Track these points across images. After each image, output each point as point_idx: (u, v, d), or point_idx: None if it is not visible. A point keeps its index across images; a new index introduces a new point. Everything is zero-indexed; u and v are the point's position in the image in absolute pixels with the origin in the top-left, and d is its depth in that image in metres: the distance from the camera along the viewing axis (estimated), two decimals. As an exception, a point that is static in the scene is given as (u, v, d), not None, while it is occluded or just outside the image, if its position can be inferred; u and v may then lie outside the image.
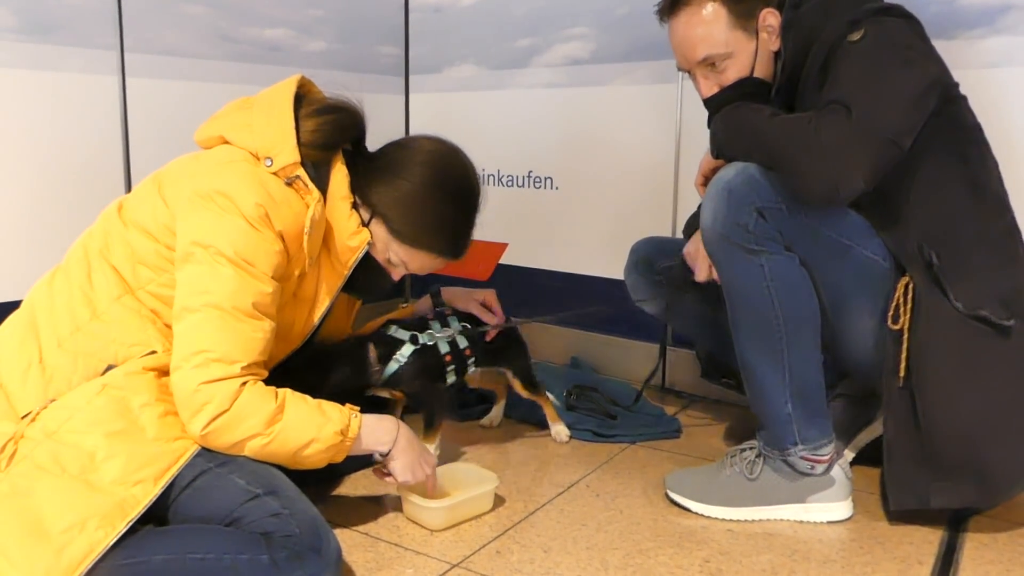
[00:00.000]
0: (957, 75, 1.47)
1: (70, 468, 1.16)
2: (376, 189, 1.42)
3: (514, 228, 2.64)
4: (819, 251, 1.44)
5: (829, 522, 1.52)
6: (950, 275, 1.39)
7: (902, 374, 1.40)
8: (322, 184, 1.38)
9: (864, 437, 1.72)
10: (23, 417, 1.22)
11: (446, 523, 1.47)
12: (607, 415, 2.02)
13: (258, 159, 1.33)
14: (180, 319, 1.25)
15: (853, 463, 1.66)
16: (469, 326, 1.75)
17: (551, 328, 2.56)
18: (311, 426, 1.28)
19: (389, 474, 1.44)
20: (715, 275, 1.51)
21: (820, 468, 1.52)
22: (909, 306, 1.41)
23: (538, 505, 1.59)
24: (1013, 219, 1.48)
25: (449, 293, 1.84)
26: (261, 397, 1.26)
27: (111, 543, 1.11)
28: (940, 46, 1.44)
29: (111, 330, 1.28)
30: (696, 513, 1.55)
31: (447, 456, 1.80)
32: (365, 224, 1.43)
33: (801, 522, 1.52)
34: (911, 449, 1.42)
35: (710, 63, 1.51)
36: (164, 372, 1.27)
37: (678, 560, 1.38)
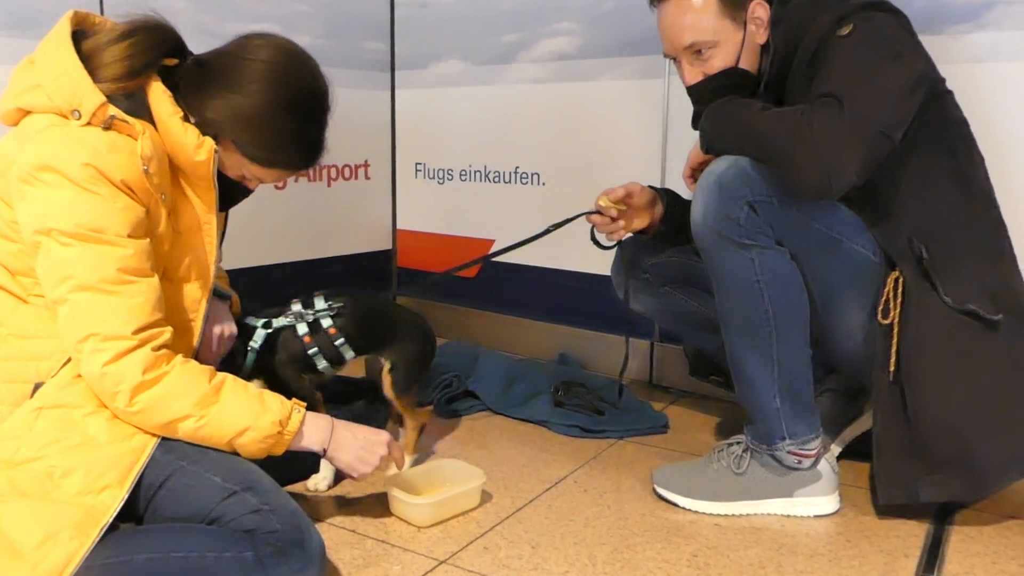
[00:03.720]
0: (943, 70, 1.48)
1: (30, 491, 1.13)
2: (211, 104, 1.28)
3: (501, 224, 2.63)
4: (810, 245, 1.44)
5: (816, 516, 1.52)
6: (939, 269, 1.40)
7: (892, 368, 1.41)
8: (143, 112, 1.25)
9: (851, 432, 1.72)
10: None
11: (433, 519, 1.46)
12: (595, 411, 2.02)
13: (66, 116, 1.19)
14: (56, 312, 1.18)
15: (840, 457, 1.66)
16: (342, 305, 1.57)
17: (538, 324, 2.56)
18: (247, 413, 1.24)
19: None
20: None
21: (807, 462, 1.52)
22: (899, 300, 1.41)
23: (526, 501, 1.58)
24: (999, 214, 1.48)
25: None
26: (193, 377, 1.21)
27: (88, 551, 1.09)
28: (927, 41, 1.44)
29: (25, 348, 1.23)
30: (684, 508, 1.55)
31: (433, 453, 1.79)
32: (210, 135, 1.30)
33: (788, 516, 1.52)
34: (900, 443, 1.43)
35: (696, 50, 1.51)
36: None
37: (666, 555, 1.38)
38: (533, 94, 2.49)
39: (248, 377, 1.43)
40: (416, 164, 2.83)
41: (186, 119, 1.27)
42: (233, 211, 1.56)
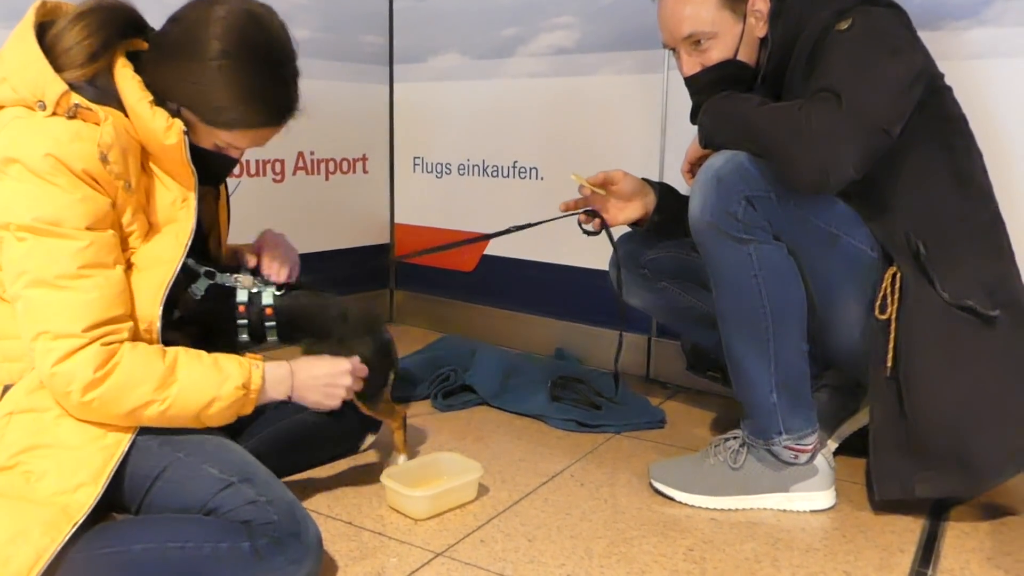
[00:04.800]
0: (942, 66, 1.48)
1: (6, 492, 1.13)
2: (172, 77, 1.24)
3: (499, 219, 2.62)
4: (808, 240, 1.44)
5: (812, 511, 1.52)
6: (937, 265, 1.40)
7: (889, 364, 1.41)
8: (112, 98, 1.22)
9: (848, 427, 1.72)
10: None
11: (430, 512, 1.46)
12: (592, 405, 2.02)
13: (33, 108, 1.17)
14: (16, 308, 1.17)
15: (836, 453, 1.66)
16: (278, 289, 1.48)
17: (536, 319, 2.56)
18: (209, 385, 1.22)
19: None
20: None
21: (804, 458, 1.52)
22: (896, 296, 1.41)
23: (523, 494, 1.58)
24: (997, 210, 1.48)
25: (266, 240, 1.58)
26: (145, 361, 1.18)
27: (58, 548, 1.08)
28: (925, 37, 1.44)
29: None
30: (680, 502, 1.55)
31: (430, 446, 1.80)
32: (176, 115, 1.26)
33: (784, 511, 1.52)
34: (896, 439, 1.43)
35: (694, 41, 1.51)
36: None
37: (662, 548, 1.38)
38: (531, 88, 2.49)
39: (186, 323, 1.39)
40: (414, 158, 2.82)
41: (158, 103, 1.24)
42: (231, 204, 1.56)
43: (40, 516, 1.10)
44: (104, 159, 1.17)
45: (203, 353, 1.25)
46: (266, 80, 1.27)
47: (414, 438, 1.85)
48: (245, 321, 1.46)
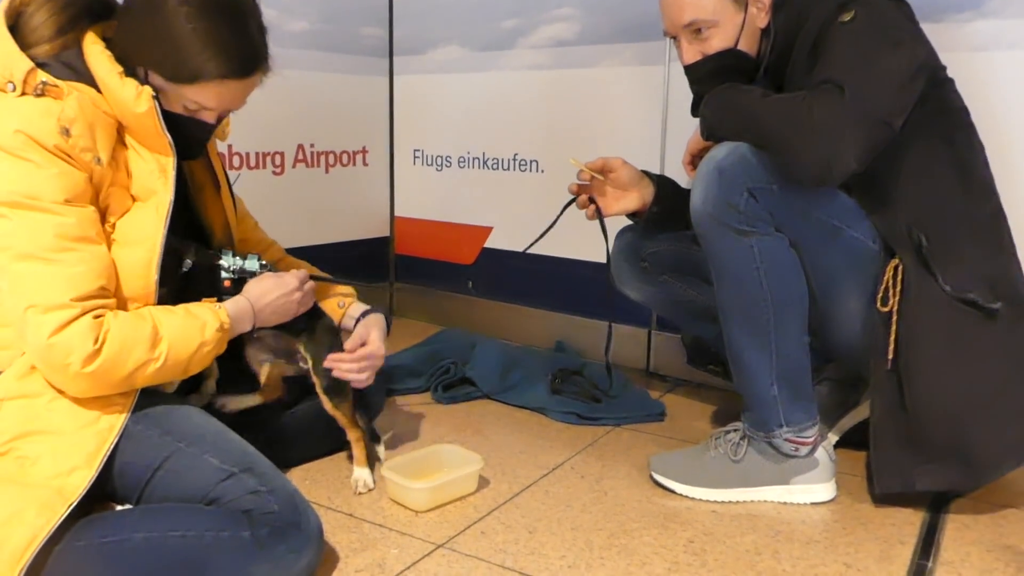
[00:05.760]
0: (944, 58, 1.47)
1: (0, 477, 1.13)
2: (135, 37, 1.25)
3: (499, 211, 2.63)
4: (809, 233, 1.44)
5: (812, 503, 1.52)
6: (939, 258, 1.39)
7: (890, 356, 1.41)
8: (81, 74, 1.23)
9: (848, 420, 1.72)
10: None
11: (430, 504, 1.46)
12: (592, 398, 2.02)
13: (4, 90, 1.18)
14: (1, 286, 1.17)
15: (836, 446, 1.66)
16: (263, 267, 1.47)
17: (535, 312, 2.56)
18: (192, 334, 1.26)
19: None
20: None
21: (804, 450, 1.52)
22: (898, 288, 1.41)
23: (523, 486, 1.58)
24: (999, 203, 1.48)
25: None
26: (132, 325, 1.20)
27: (53, 528, 1.09)
28: (928, 29, 1.44)
29: None
30: (681, 495, 1.55)
31: (430, 438, 1.79)
32: (145, 82, 1.26)
33: (785, 503, 1.53)
34: (897, 431, 1.43)
35: (695, 29, 1.50)
36: None
37: (662, 540, 1.38)
38: (532, 80, 2.48)
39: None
40: (414, 151, 2.81)
41: (129, 74, 1.24)
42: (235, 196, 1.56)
43: (35, 498, 1.10)
44: (66, 133, 1.17)
45: (171, 307, 1.28)
46: (226, 27, 1.26)
47: (412, 430, 1.85)
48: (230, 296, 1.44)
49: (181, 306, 1.28)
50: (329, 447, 1.67)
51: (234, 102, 1.32)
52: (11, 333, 1.20)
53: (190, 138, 1.33)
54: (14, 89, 1.17)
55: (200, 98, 1.27)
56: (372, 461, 1.58)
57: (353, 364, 1.49)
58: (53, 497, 1.11)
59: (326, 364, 1.48)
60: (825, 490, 1.53)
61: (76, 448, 1.15)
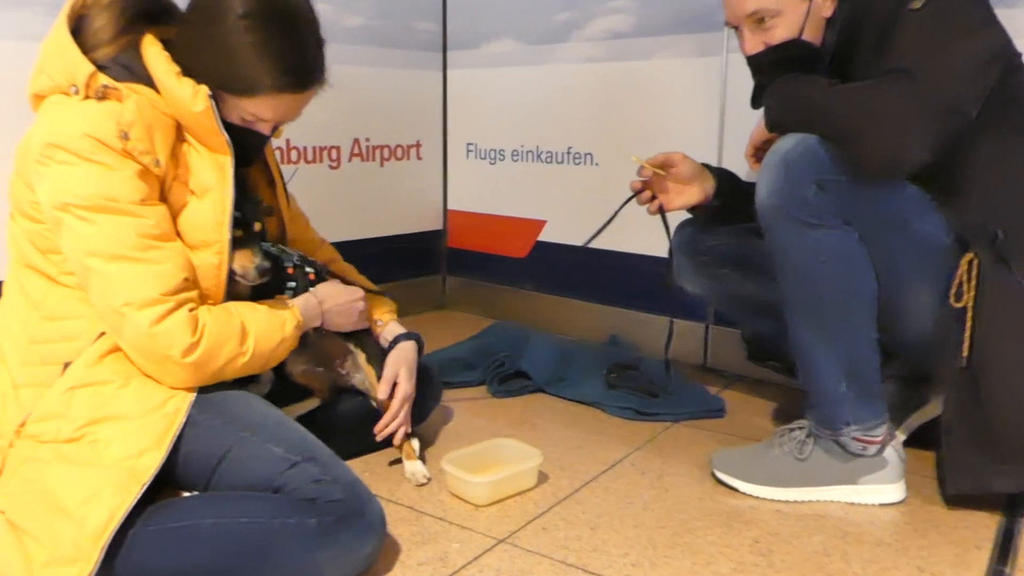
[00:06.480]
0: (1020, 45, 1.42)
1: (74, 459, 1.16)
2: (195, 46, 1.27)
3: (553, 205, 2.62)
4: (878, 225, 1.40)
5: (881, 504, 1.49)
6: (1016, 252, 1.34)
7: (965, 353, 1.36)
8: (139, 75, 1.25)
9: (916, 419, 1.67)
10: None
11: (491, 498, 1.46)
12: (648, 393, 2.00)
13: (68, 94, 1.21)
14: (86, 288, 1.20)
15: (904, 445, 1.61)
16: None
17: (589, 305, 2.54)
18: (275, 329, 1.32)
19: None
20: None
21: (872, 449, 1.48)
22: (973, 283, 1.36)
23: (583, 482, 1.57)
24: (1078, 194, 1.42)
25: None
26: (224, 319, 1.25)
27: (130, 507, 1.11)
28: (1002, 15, 1.39)
29: (56, 330, 1.24)
30: (744, 493, 1.52)
31: (486, 433, 1.79)
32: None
33: (852, 504, 1.49)
34: (971, 431, 1.38)
35: (758, 18, 1.46)
36: (117, 348, 1.23)
37: (727, 540, 1.36)
38: (586, 73, 2.46)
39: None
40: (467, 144, 2.81)
41: (186, 74, 1.26)
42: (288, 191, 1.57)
43: (110, 478, 1.13)
44: (125, 136, 1.19)
45: (252, 304, 1.33)
46: (283, 41, 1.27)
47: (469, 424, 1.86)
48: (294, 283, 1.47)
49: (262, 304, 1.33)
50: (366, 446, 1.65)
51: (289, 114, 1.33)
52: (80, 325, 1.23)
53: (245, 146, 1.35)
54: (77, 93, 1.20)
55: (256, 110, 1.29)
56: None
57: (396, 421, 1.53)
58: (127, 478, 1.13)
59: (378, 435, 1.52)
60: (894, 491, 1.49)
61: (145, 431, 1.18)
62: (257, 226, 1.35)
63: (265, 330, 1.30)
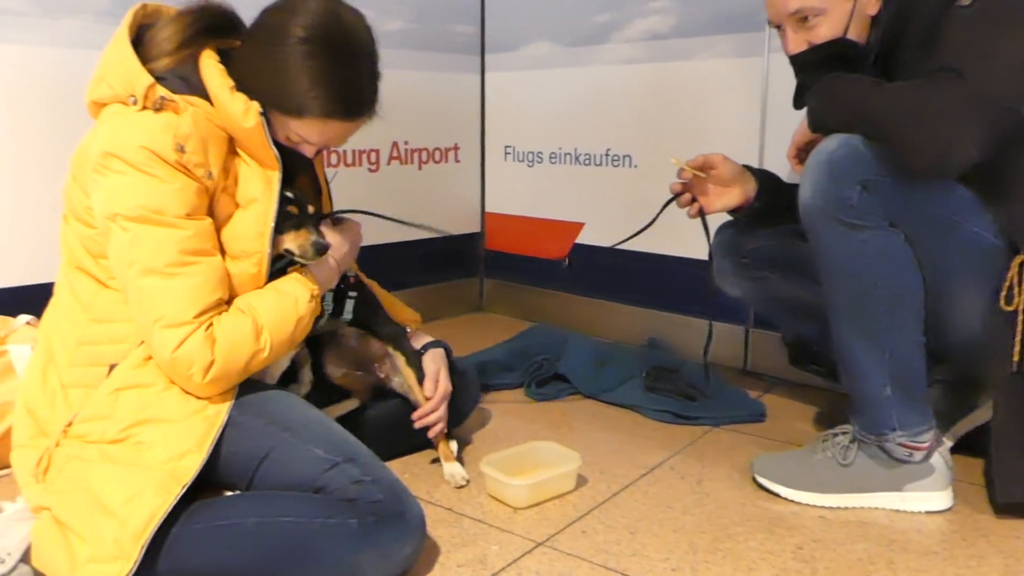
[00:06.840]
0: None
1: (118, 459, 1.18)
2: (252, 63, 1.29)
3: (591, 207, 2.61)
4: (925, 227, 1.37)
5: (927, 512, 1.46)
6: (1069, 254, 1.31)
7: (1016, 358, 1.33)
8: (196, 88, 1.27)
9: (963, 425, 1.64)
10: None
11: (529, 501, 1.46)
12: (687, 397, 1.98)
13: (127, 104, 1.23)
14: (127, 297, 1.23)
15: (951, 452, 1.58)
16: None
17: (627, 308, 2.52)
18: (288, 313, 1.30)
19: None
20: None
21: (918, 455, 1.45)
22: (1024, 286, 1.33)
23: (622, 486, 1.56)
24: None
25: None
26: (235, 324, 1.24)
27: (170, 507, 1.13)
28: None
29: (103, 333, 1.26)
30: (786, 499, 1.50)
31: (524, 435, 1.79)
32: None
33: (897, 511, 1.46)
34: (1021, 438, 1.35)
35: (802, 17, 1.44)
36: None
37: (769, 546, 1.34)
38: (625, 75, 2.45)
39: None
40: (505, 147, 2.82)
41: (240, 90, 1.27)
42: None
43: (152, 479, 1.15)
44: (181, 149, 1.21)
45: (260, 290, 1.31)
46: (339, 69, 1.28)
47: (508, 427, 1.86)
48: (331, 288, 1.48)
49: (270, 287, 1.32)
50: (405, 448, 1.67)
51: (335, 140, 1.35)
52: (126, 328, 1.25)
53: (288, 165, 1.36)
54: (135, 103, 1.22)
55: (303, 132, 1.31)
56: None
57: (436, 414, 1.54)
58: (168, 479, 1.15)
59: (416, 422, 1.53)
60: (941, 498, 1.46)
61: (186, 434, 1.20)
62: (311, 208, 1.37)
63: (277, 319, 1.29)
